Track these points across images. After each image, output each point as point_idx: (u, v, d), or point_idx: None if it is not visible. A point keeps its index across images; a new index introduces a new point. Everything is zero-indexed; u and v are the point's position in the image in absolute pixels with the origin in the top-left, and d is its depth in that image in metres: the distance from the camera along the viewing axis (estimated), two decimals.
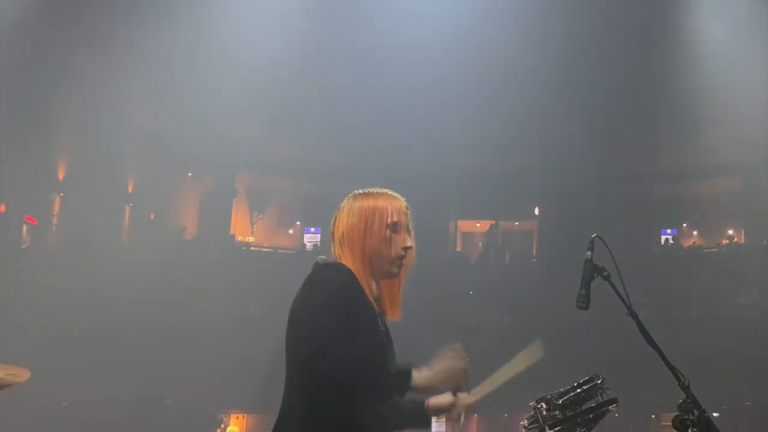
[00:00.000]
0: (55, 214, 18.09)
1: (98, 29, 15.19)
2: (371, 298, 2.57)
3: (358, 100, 16.72)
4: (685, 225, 21.26)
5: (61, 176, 17.66)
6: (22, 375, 2.69)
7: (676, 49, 16.21)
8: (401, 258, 2.62)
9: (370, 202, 2.64)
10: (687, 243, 20.09)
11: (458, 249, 21.71)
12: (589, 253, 2.93)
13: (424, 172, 17.82)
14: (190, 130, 17.66)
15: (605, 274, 2.90)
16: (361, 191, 2.71)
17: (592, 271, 2.90)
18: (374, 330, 2.55)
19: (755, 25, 15.32)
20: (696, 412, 2.66)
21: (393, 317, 2.68)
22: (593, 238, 2.95)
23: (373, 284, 2.62)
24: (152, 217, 19.99)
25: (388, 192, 2.71)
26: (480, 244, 21.85)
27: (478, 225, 22.78)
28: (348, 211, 2.65)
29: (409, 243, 2.64)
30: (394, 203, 2.66)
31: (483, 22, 15.64)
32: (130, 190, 19.61)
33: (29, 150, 15.05)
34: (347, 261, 2.57)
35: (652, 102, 17.36)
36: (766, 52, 15.25)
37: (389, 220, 2.61)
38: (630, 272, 2.90)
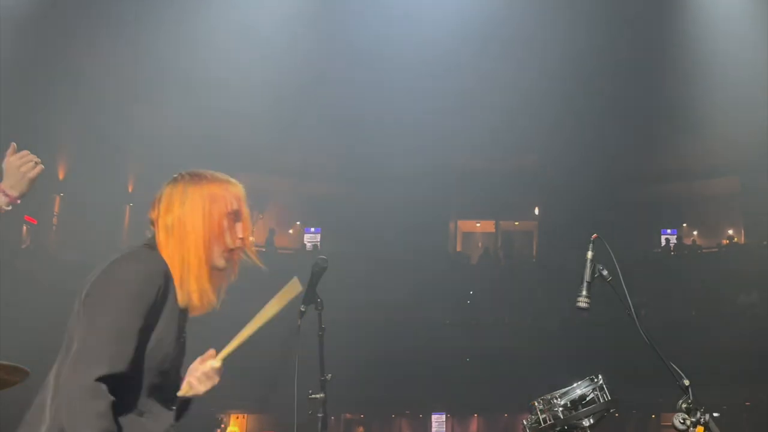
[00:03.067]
0: (55, 214, 18.08)
1: (98, 30, 15.20)
2: (177, 299, 2.29)
3: (358, 102, 16.73)
4: (685, 225, 21.25)
5: (61, 176, 17.64)
6: (22, 375, 2.67)
7: (675, 51, 16.22)
8: (232, 250, 2.35)
9: (207, 188, 2.35)
10: (687, 243, 20.08)
11: (458, 249, 21.70)
12: (589, 253, 2.93)
13: (424, 172, 17.84)
14: (190, 131, 17.65)
15: (605, 274, 2.90)
16: (190, 173, 2.41)
17: (593, 271, 2.90)
18: (162, 351, 2.27)
19: (755, 26, 15.33)
20: (696, 412, 2.66)
21: (204, 309, 2.38)
22: (593, 238, 2.95)
23: (202, 277, 2.31)
24: None
25: (222, 175, 2.41)
26: (480, 244, 21.84)
27: (478, 225, 22.78)
28: (180, 197, 2.35)
29: (242, 234, 2.36)
30: (232, 189, 2.38)
31: (484, 25, 15.65)
32: (130, 190, 19.59)
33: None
34: (174, 251, 2.29)
35: (652, 103, 17.37)
36: (765, 53, 15.26)
37: (229, 209, 2.34)
38: (630, 272, 2.90)
